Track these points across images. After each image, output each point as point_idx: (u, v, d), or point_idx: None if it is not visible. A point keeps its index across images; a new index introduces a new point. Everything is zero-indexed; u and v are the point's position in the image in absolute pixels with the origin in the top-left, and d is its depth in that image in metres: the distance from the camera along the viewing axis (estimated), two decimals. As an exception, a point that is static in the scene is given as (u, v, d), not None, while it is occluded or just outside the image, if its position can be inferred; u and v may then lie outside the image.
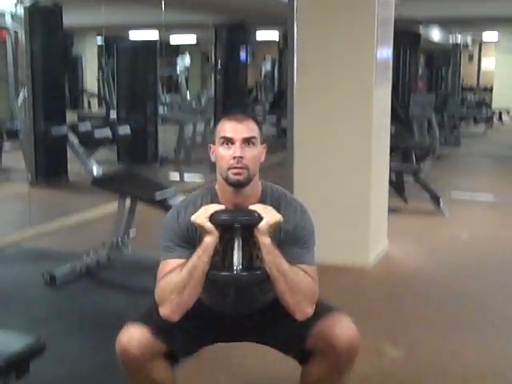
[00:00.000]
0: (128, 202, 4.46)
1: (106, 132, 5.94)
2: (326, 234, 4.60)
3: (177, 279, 2.04)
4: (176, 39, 15.48)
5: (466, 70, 18.52)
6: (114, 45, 10.28)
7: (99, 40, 17.73)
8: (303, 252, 2.13)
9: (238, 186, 2.10)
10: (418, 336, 3.45)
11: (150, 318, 2.11)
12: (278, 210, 2.11)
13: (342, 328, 2.10)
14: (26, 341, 2.27)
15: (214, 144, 2.14)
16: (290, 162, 5.68)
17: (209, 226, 2.05)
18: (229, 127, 2.10)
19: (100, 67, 17.10)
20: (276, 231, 2.09)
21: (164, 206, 4.19)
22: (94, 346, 3.28)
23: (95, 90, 15.69)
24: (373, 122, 4.51)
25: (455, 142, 11.49)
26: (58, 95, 7.72)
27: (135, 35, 13.46)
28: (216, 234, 2.05)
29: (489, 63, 19.11)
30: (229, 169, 2.08)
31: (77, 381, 2.92)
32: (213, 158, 2.15)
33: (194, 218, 2.07)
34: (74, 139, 4.79)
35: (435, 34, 15.32)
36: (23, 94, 7.51)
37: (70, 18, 7.90)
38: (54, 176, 7.49)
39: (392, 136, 5.20)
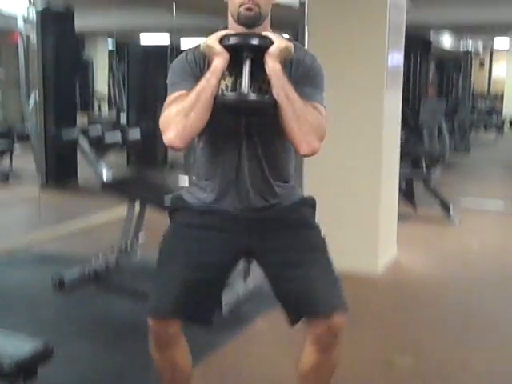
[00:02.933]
0: (137, 206, 4.47)
1: (116, 136, 5.95)
2: (335, 241, 4.59)
3: (184, 102, 1.97)
4: (187, 43, 15.50)
5: (477, 76, 18.46)
6: (125, 48, 10.33)
7: (110, 43, 17.81)
8: (314, 91, 2.08)
9: (249, 23, 2.04)
10: (427, 345, 3.43)
11: (157, 302, 2.12)
12: None
13: (333, 351, 2.10)
14: (34, 344, 2.28)
15: None
16: (300, 166, 5.69)
17: (218, 47, 1.98)
18: None
19: (111, 71, 17.12)
20: (287, 62, 2.03)
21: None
22: (102, 350, 3.28)
23: (105, 92, 15.71)
24: (383, 127, 4.49)
25: (465, 148, 11.45)
26: (68, 98, 7.75)
27: (146, 39, 13.47)
28: (225, 55, 1.98)
29: (500, 71, 19.06)
30: (241, 5, 2.02)
31: (84, 386, 2.92)
32: None
33: (204, 41, 2.00)
34: (84, 143, 4.80)
35: (446, 41, 15.29)
36: (34, 97, 7.54)
37: (82, 22, 7.91)
38: (63, 179, 7.51)
39: (402, 142, 5.19)
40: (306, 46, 4.65)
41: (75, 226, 5.74)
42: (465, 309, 4.03)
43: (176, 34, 13.10)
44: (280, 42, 1.99)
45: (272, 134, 2.09)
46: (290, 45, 2.02)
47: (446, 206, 6.27)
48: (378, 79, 4.45)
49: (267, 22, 2.11)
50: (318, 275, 2.11)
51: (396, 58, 4.68)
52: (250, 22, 2.04)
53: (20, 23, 7.35)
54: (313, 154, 2.05)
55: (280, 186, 2.16)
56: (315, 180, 4.66)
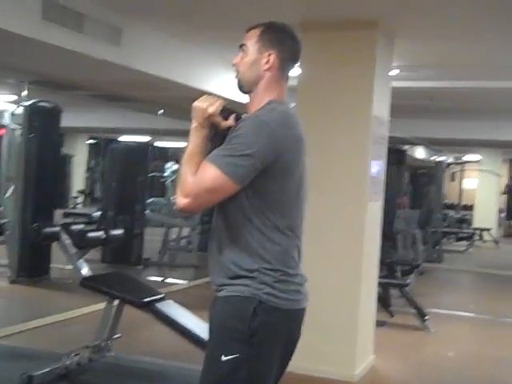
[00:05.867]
0: (115, 303, 4.41)
1: (99, 236, 5.86)
2: (314, 346, 4.58)
3: None
4: (167, 143, 15.74)
5: (449, 187, 18.84)
6: (105, 145, 10.41)
7: (90, 140, 18.05)
8: (217, 150, 1.95)
9: (239, 89, 2.11)
10: None
11: None
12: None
13: None
14: None
15: None
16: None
17: None
18: None
19: (90, 167, 17.16)
20: (205, 119, 2.01)
21: (151, 309, 4.15)
22: None
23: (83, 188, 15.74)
24: (364, 235, 4.58)
25: (438, 258, 11.56)
26: (47, 193, 7.67)
27: (127, 137, 13.64)
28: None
29: (471, 182, 19.55)
30: None
31: None
32: None
33: None
34: (66, 239, 4.75)
35: (419, 152, 15.78)
36: (12, 189, 7.45)
37: (64, 119, 7.97)
38: (36, 273, 7.32)
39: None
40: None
41: (46, 321, 5.59)
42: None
43: (156, 135, 13.38)
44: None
45: (220, 205, 2.02)
46: (195, 104, 2.02)
47: (421, 314, 6.27)
48: (361, 191, 4.57)
49: (260, 90, 2.07)
50: None
51: (378, 170, 4.81)
52: (238, 87, 2.13)
53: (7, 118, 7.41)
54: (181, 210, 1.96)
55: (229, 269, 2.00)
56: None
